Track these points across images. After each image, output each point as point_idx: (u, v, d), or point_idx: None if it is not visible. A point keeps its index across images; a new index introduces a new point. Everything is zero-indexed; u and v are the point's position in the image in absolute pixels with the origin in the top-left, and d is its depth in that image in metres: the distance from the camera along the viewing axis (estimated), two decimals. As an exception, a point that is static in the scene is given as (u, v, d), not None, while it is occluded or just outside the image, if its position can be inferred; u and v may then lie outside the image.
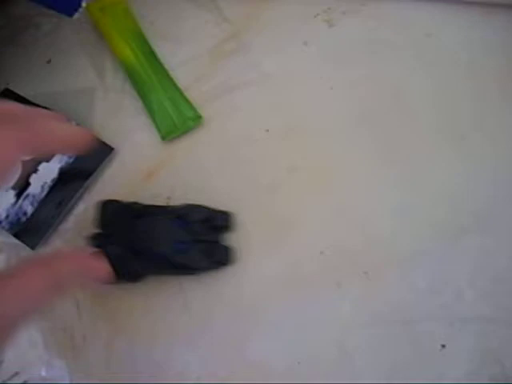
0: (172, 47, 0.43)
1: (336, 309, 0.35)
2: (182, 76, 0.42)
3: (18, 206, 0.37)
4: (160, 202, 0.38)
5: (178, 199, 0.38)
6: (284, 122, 0.40)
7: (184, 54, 0.43)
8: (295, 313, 0.35)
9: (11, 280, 0.25)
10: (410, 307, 0.35)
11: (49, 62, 0.45)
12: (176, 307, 0.36)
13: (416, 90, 0.40)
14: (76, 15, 0.46)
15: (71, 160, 0.39)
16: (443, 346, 0.34)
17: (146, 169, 0.40)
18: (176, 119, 0.40)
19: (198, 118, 0.40)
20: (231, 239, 0.37)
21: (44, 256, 0.31)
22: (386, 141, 0.39)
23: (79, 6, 0.45)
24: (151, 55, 0.42)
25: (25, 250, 0.37)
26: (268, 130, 0.40)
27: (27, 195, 0.38)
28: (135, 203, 0.37)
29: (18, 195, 0.38)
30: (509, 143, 0.38)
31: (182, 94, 0.41)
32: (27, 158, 0.26)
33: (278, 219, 0.37)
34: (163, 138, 0.40)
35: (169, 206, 0.37)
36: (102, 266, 0.30)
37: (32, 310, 0.26)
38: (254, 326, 0.35)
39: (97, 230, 0.35)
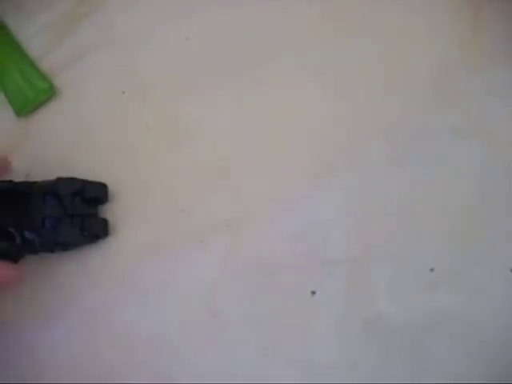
0: (24, 18, 0.41)
1: (201, 266, 0.33)
2: (34, 47, 0.40)
3: None
4: (18, 178, 0.36)
5: (38, 175, 0.36)
6: (140, 82, 0.38)
7: (36, 24, 0.40)
8: (161, 277, 0.33)
9: None
10: (276, 256, 0.33)
11: None
12: (41, 283, 0.34)
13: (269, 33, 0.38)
14: None
15: None
16: (313, 292, 0.32)
17: (1, 146, 0.38)
18: (28, 93, 0.38)
19: (50, 89, 0.38)
20: (105, 211, 0.35)
21: None
22: (244, 89, 0.37)
23: None
24: (1, 29, 0.40)
25: None
26: (124, 92, 0.38)
27: None
28: (2, 181, 0.34)
29: None
30: (370, 85, 0.37)
31: (33, 66, 0.39)
32: None
33: (142, 182, 0.36)
34: (17, 113, 0.38)
35: (38, 182, 0.34)
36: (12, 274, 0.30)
37: None
38: (121, 297, 0.33)
39: None
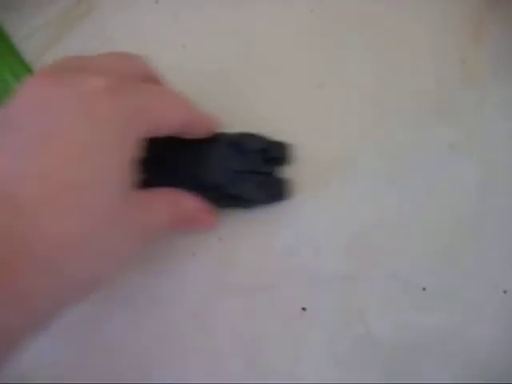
0: (18, 18, 0.40)
1: (191, 280, 0.33)
2: (29, 48, 0.39)
3: None
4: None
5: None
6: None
7: (31, 25, 0.40)
8: (150, 288, 0.33)
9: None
10: (266, 271, 0.33)
11: None
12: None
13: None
14: None
15: None
16: (303, 308, 0.32)
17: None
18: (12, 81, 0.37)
19: None
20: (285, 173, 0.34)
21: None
22: (244, 99, 0.36)
23: None
24: None
25: None
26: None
27: None
28: None
29: None
30: (366, 97, 0.36)
31: (26, 66, 0.38)
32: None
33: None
34: None
35: (223, 134, 0.32)
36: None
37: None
38: (109, 308, 0.33)
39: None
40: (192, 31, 0.39)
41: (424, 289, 0.32)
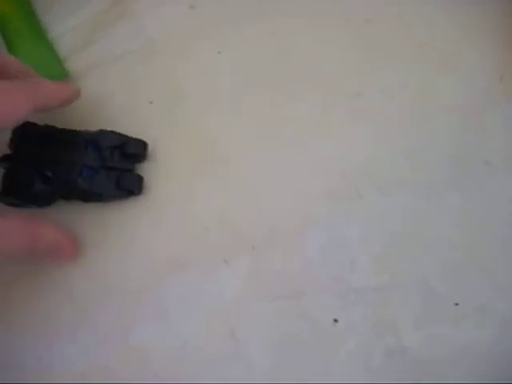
0: (55, 17, 0.40)
1: (224, 287, 0.33)
2: (63, 46, 0.39)
3: None
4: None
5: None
6: (169, 91, 0.37)
7: (67, 24, 0.40)
8: (181, 293, 0.33)
9: None
10: (300, 280, 0.33)
11: None
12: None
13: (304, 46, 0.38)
14: None
15: None
16: (336, 320, 0.32)
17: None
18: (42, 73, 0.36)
19: (64, 73, 0.38)
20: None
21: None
22: (278, 102, 0.37)
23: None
24: (30, 14, 0.39)
25: None
26: (152, 102, 0.37)
27: None
28: (48, 126, 0.35)
29: None
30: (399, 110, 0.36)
31: (53, 52, 0.39)
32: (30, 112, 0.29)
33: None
34: None
35: (82, 131, 0.35)
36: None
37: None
38: (140, 311, 0.33)
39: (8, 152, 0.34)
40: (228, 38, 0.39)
41: (456, 304, 0.32)
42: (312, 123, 0.36)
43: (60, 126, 0.34)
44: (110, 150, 0.34)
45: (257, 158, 0.36)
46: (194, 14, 0.39)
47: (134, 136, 0.35)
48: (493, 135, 0.35)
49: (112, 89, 0.38)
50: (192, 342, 0.32)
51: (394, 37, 0.38)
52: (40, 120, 0.34)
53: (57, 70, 0.38)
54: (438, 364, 0.31)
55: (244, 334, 0.32)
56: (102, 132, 0.34)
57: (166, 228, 0.34)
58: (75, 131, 0.34)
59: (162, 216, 0.34)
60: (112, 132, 0.35)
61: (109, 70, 0.38)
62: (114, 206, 0.35)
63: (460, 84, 0.37)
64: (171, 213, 0.35)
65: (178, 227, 0.34)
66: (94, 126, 0.35)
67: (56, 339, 0.32)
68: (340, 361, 0.31)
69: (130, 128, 0.36)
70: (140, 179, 0.35)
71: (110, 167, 0.34)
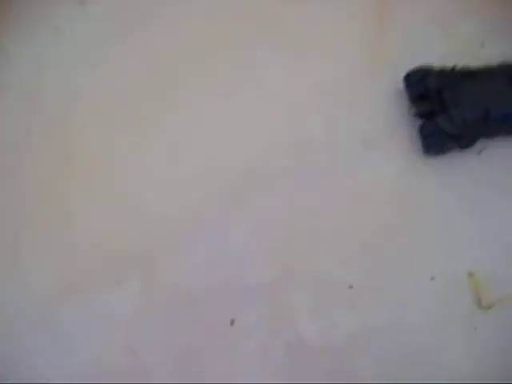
0: None
1: (119, 305, 0.32)
2: None
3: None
4: None
5: None
6: (46, 119, 0.37)
7: None
8: (78, 315, 0.33)
9: None
10: (191, 288, 0.32)
11: None
12: None
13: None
14: None
15: None
16: (233, 320, 0.32)
17: None
18: None
19: None
20: None
21: None
22: (155, 115, 0.36)
23: None
24: None
25: None
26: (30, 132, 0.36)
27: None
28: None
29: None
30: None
31: None
32: None
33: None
34: None
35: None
36: None
37: None
38: (40, 336, 0.32)
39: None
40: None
41: (351, 286, 0.32)
42: (187, 128, 0.36)
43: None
44: None
45: (140, 171, 0.35)
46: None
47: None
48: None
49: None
50: (96, 364, 0.32)
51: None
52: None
53: None
54: (338, 352, 0.31)
55: (143, 349, 0.32)
56: None
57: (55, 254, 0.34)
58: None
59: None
60: None
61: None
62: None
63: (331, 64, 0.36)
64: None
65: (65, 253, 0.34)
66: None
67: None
68: (240, 363, 0.31)
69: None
70: None
71: None
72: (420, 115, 0.33)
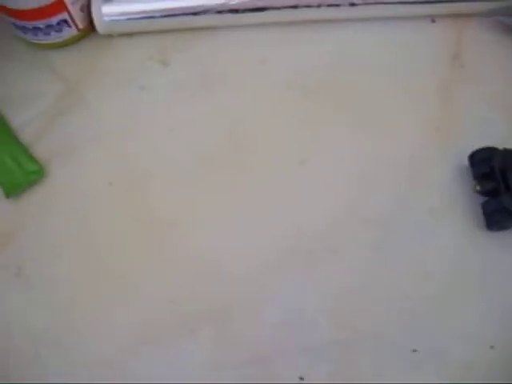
0: (9, 109, 0.42)
1: (190, 357, 0.34)
2: (21, 137, 0.41)
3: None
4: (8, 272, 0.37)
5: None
6: (127, 172, 0.39)
7: (20, 116, 0.42)
8: (150, 365, 0.34)
9: None
10: (264, 344, 0.34)
11: None
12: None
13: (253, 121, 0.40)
14: None
15: None
16: (301, 378, 0.33)
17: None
18: (18, 174, 0.40)
19: (39, 171, 0.40)
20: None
21: None
22: (232, 178, 0.39)
23: None
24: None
25: None
26: (111, 183, 0.39)
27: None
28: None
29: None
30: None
31: (24, 150, 0.41)
32: None
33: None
34: (7, 194, 0.39)
35: None
36: None
37: None
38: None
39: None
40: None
41: (414, 350, 0.33)
42: (267, 192, 0.38)
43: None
44: None
45: (216, 232, 0.37)
46: (145, 94, 0.42)
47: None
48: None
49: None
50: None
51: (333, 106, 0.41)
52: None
53: (32, 168, 0.40)
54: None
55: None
56: None
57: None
58: None
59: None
60: None
61: (67, 158, 0.40)
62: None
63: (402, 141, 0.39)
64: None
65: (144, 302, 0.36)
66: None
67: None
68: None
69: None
70: None
71: None
72: (484, 193, 0.35)
